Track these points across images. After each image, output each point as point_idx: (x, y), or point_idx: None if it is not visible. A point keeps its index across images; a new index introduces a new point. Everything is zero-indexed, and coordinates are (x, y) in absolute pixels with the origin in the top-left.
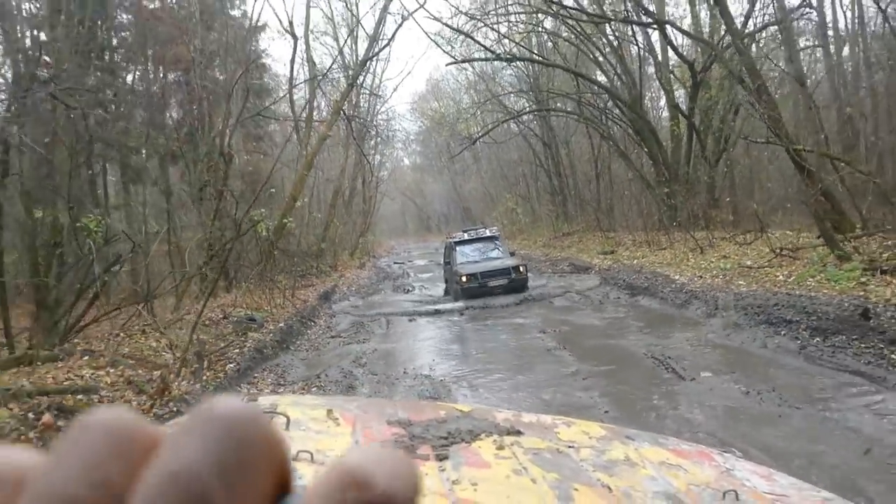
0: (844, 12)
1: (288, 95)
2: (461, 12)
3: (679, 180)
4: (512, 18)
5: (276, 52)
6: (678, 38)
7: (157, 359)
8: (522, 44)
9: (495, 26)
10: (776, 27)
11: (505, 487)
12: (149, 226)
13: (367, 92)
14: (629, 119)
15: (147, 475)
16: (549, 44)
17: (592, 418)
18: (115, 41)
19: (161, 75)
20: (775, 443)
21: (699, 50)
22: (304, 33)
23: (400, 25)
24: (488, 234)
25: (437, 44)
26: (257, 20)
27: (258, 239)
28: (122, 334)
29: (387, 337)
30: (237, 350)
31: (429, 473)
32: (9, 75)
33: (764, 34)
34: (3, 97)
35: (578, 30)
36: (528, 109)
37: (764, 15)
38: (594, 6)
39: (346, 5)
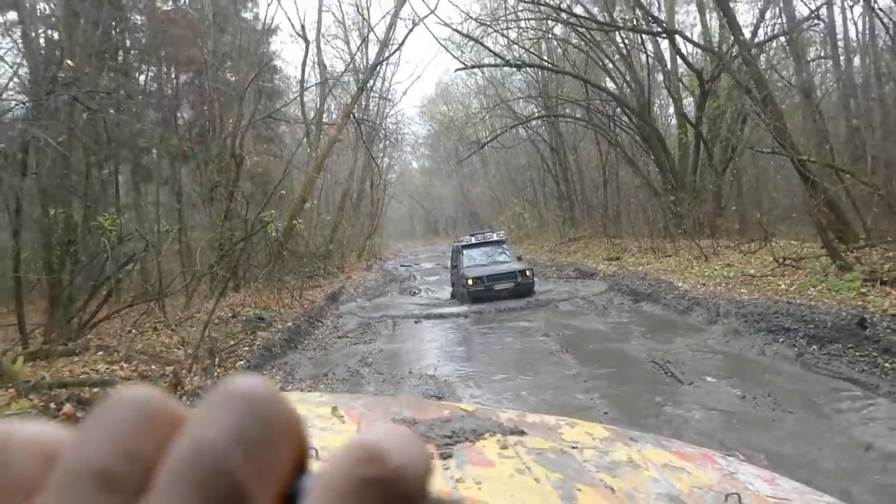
0: (855, 23)
1: (299, 98)
2: (471, 18)
3: (686, 188)
4: (522, 25)
5: (288, 55)
6: (687, 47)
7: (169, 355)
8: (532, 50)
9: (505, 32)
10: (784, 38)
11: (508, 486)
12: (160, 225)
13: (377, 95)
14: (637, 126)
15: (173, 449)
16: (559, 50)
17: (592, 419)
18: (128, 42)
19: (174, 76)
20: (769, 446)
21: (708, 59)
22: (316, 37)
23: (411, 30)
24: (495, 238)
25: (446, 49)
26: (270, 23)
27: (267, 239)
28: (134, 331)
29: (393, 338)
30: (247, 348)
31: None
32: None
33: (774, 44)
34: (17, 97)
35: (588, 37)
36: (536, 115)
37: (774, 25)
38: (604, 14)
39: (358, 10)
